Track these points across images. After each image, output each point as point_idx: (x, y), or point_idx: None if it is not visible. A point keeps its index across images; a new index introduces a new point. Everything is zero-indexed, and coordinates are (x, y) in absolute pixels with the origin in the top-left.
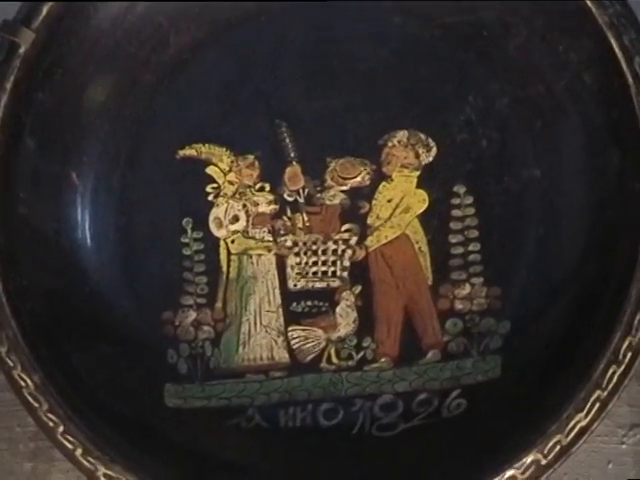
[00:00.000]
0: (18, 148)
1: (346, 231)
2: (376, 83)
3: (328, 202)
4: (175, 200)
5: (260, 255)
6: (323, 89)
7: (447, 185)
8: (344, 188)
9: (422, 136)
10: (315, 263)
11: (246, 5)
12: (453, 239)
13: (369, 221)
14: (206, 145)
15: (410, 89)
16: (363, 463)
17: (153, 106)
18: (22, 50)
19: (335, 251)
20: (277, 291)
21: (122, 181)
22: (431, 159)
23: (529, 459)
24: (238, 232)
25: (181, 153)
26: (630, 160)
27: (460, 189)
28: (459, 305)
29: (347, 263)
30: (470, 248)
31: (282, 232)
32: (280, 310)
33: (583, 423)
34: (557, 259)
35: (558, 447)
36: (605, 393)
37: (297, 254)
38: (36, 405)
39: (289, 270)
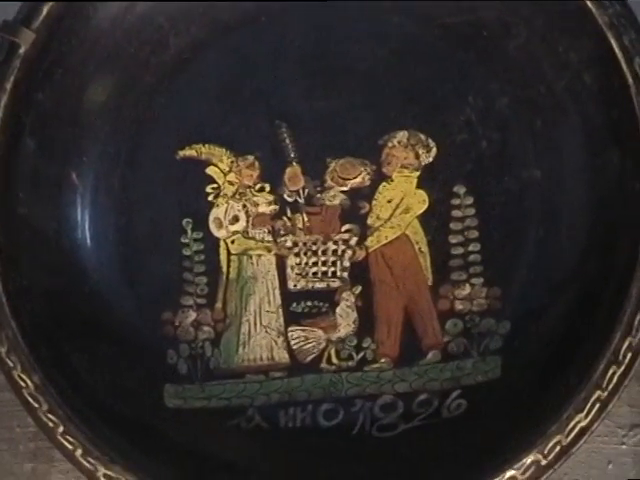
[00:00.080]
0: (18, 148)
1: (346, 231)
2: (376, 83)
3: (328, 202)
4: (175, 200)
5: (260, 255)
6: (323, 89)
7: (447, 185)
8: (344, 188)
9: (422, 136)
10: (315, 263)
11: (246, 6)
12: (453, 239)
13: (369, 221)
14: (206, 145)
15: (410, 89)
16: (363, 463)
17: (153, 106)
18: (22, 50)
19: (335, 251)
20: (277, 291)
21: (122, 181)
22: (431, 159)
23: (529, 459)
24: (238, 232)
25: (181, 153)
26: (630, 160)
27: (460, 189)
28: (459, 305)
29: (347, 263)
30: (470, 248)
31: (282, 232)
32: (280, 310)
33: (583, 423)
34: (557, 259)
35: (558, 447)
36: (605, 393)
37: (297, 254)
38: (36, 405)
39: (289, 270)
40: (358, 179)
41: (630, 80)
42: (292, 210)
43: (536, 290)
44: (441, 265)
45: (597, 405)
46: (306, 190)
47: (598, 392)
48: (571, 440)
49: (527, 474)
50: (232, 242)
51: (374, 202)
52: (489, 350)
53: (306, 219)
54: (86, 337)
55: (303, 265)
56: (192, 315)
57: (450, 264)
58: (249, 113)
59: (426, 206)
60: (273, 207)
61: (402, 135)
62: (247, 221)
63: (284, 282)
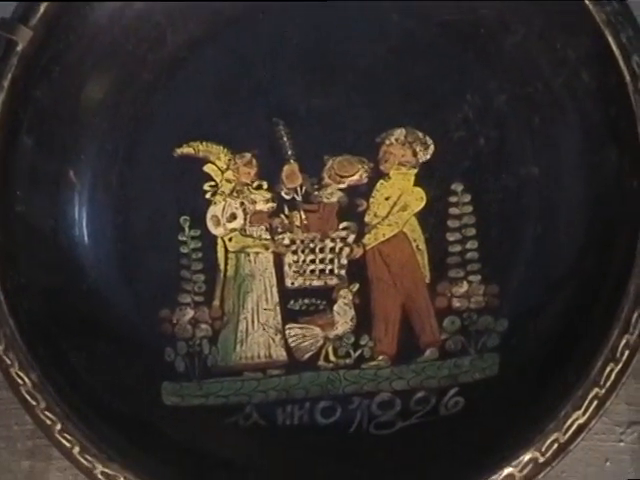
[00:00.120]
0: (16, 146)
1: (344, 229)
2: (374, 81)
3: (326, 200)
4: (172, 198)
5: (258, 253)
6: (321, 87)
7: (445, 183)
8: (342, 186)
9: (420, 134)
10: (313, 261)
11: (244, 2)
12: (451, 237)
13: (367, 219)
14: (204, 143)
15: (408, 87)
16: (361, 461)
17: (151, 104)
18: (19, 48)
19: (333, 249)
20: (275, 289)
21: (120, 179)
22: (429, 157)
23: (527, 457)
24: (236, 230)
25: (179, 151)
26: (628, 157)
27: (458, 187)
28: (457, 303)
29: (345, 261)
30: (468, 246)
31: (280, 230)
32: (278, 308)
33: (581, 421)
34: (555, 256)
35: (556, 445)
36: (603, 391)
37: (295, 252)
38: (34, 403)
39: (287, 268)
40: (355, 176)
41: (628, 77)
42: (290, 208)
43: (534, 287)
44: (439, 262)
45: (595, 402)
46: (304, 188)
47: (596, 389)
48: (569, 437)
49: (525, 471)
50: (230, 240)
51: (371, 200)
52: (487, 348)
53: (303, 217)
54: (84, 335)
55: (301, 263)
56: (190, 313)
57: (448, 261)
58: (247, 110)
59: (423, 204)
60: (271, 205)
61: (400, 133)
62: (245, 219)
63: (282, 280)
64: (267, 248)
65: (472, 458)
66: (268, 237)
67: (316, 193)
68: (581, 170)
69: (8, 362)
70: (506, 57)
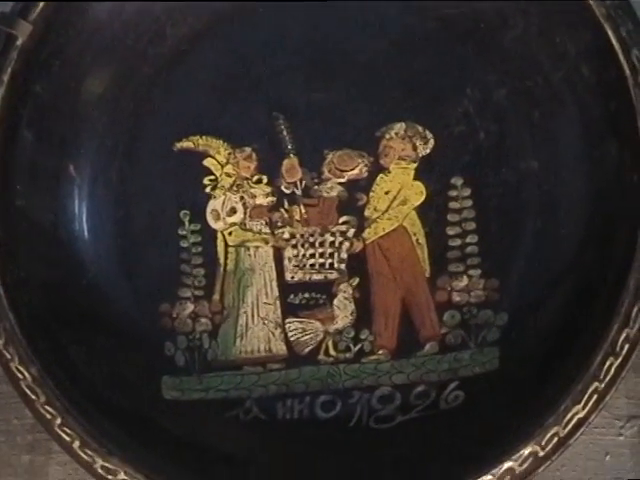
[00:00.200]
0: (15, 140)
1: (343, 223)
2: (374, 75)
3: (325, 194)
4: (172, 192)
5: (257, 247)
6: (321, 81)
7: (445, 177)
8: (341, 180)
9: (420, 128)
10: (312, 255)
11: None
12: (451, 231)
13: (366, 213)
14: (203, 137)
15: (408, 81)
16: (361, 455)
17: (151, 98)
18: (19, 42)
19: (332, 243)
20: (274, 283)
21: (120, 173)
22: (429, 151)
23: (527, 451)
24: (235, 224)
25: (178, 145)
26: (628, 151)
27: (458, 181)
28: (457, 297)
29: (344, 255)
30: (468, 240)
31: (279, 224)
32: (277, 302)
33: (581, 415)
34: (555, 251)
35: (556, 439)
36: (603, 385)
37: (294, 246)
38: (33, 397)
39: (286, 262)
40: (355, 171)
41: (627, 72)
42: (289, 202)
43: (534, 282)
44: (438, 257)
45: (594, 397)
46: (303, 182)
47: (595, 384)
48: (568, 431)
49: (525, 465)
50: (229, 234)
51: (371, 194)
52: (487, 342)
53: (303, 211)
54: (84, 329)
55: (300, 257)
56: (190, 307)
57: (448, 256)
58: (247, 105)
59: (423, 198)
60: (270, 199)
61: (400, 127)
62: (244, 213)
63: (281, 274)
64: (267, 242)
65: (472, 452)
66: (268, 231)
67: (316, 187)
68: (581, 164)
69: (8, 356)
70: (506, 51)
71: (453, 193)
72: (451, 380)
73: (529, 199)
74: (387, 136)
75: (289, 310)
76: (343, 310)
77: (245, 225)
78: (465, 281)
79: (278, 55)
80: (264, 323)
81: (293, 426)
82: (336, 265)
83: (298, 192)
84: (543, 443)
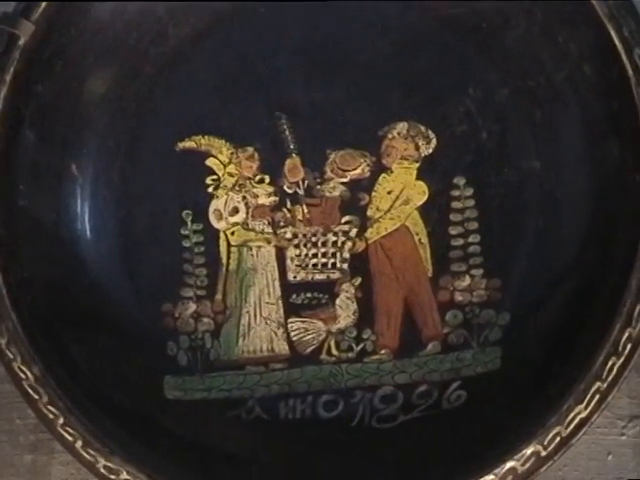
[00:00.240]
0: (18, 140)
1: (346, 223)
2: (376, 75)
3: (328, 194)
4: (175, 192)
5: (260, 247)
6: (323, 81)
7: (447, 177)
8: (344, 180)
9: (422, 128)
10: (315, 255)
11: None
12: (453, 231)
13: (369, 213)
14: (206, 137)
15: (410, 81)
16: (363, 455)
17: (153, 98)
18: (22, 42)
19: (335, 243)
20: (277, 283)
21: (122, 173)
22: (431, 151)
23: (529, 450)
24: (238, 224)
25: (181, 145)
26: (630, 151)
27: (460, 181)
28: (459, 297)
29: (347, 255)
30: (470, 240)
31: (282, 224)
32: (280, 302)
33: (583, 415)
34: (557, 250)
35: (558, 439)
36: (605, 385)
37: (297, 246)
38: (36, 397)
39: (289, 262)
40: (358, 170)
41: (630, 71)
42: (292, 202)
43: (536, 281)
44: (441, 256)
45: (597, 396)
46: (306, 182)
47: (598, 383)
48: (571, 431)
49: (527, 465)
50: (232, 234)
51: (374, 193)
52: (489, 341)
53: (306, 210)
54: (86, 329)
55: (303, 257)
56: (192, 307)
57: (450, 255)
58: (249, 105)
59: (426, 197)
60: (273, 199)
61: (402, 126)
62: (247, 213)
63: (284, 274)
64: (269, 242)
65: (474, 452)
66: (270, 231)
67: (318, 187)
68: (583, 164)
69: (10, 356)
70: (508, 51)
71: (455, 193)
72: (453, 380)
73: (531, 199)
74: (389, 136)
75: (291, 310)
76: (345, 310)
77: (247, 225)
78: (467, 281)
79: (280, 55)
80: (266, 323)
81: (295, 426)
82: (338, 265)
83: (300, 192)
84: (545, 443)
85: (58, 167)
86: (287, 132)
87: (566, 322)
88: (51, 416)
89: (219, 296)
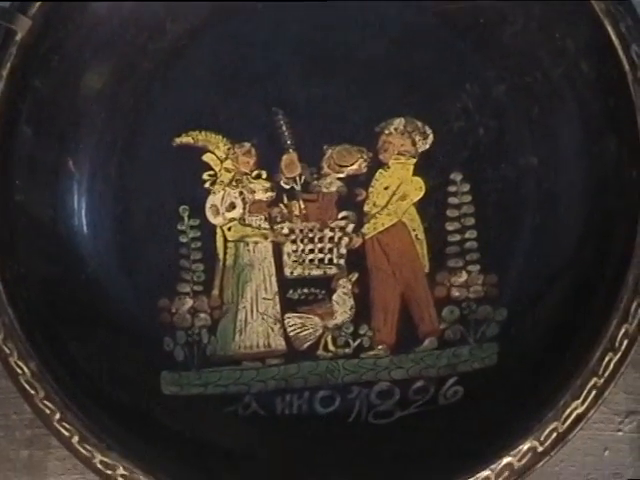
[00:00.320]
0: (14, 135)
1: (343, 218)
2: (373, 71)
3: (325, 189)
4: (172, 187)
5: (257, 242)
6: (320, 77)
7: (444, 173)
8: (341, 175)
9: (419, 124)
10: (312, 250)
11: None
12: (450, 227)
13: (366, 208)
14: (203, 132)
15: (407, 77)
16: (359, 450)
17: (150, 93)
18: (18, 37)
19: (332, 238)
20: (274, 278)
21: (119, 168)
22: (428, 147)
23: (526, 446)
24: (235, 219)
25: (178, 140)
26: (627, 147)
27: (457, 177)
28: (456, 292)
29: (344, 250)
30: (467, 235)
31: (279, 219)
32: (277, 297)
33: (580, 410)
34: (554, 246)
35: (555, 434)
36: (602, 380)
37: (294, 241)
38: (32, 392)
39: (286, 257)
40: (355, 166)
41: (627, 67)
42: (289, 197)
43: (533, 277)
44: (438, 252)
45: (593, 392)
46: (303, 177)
47: (594, 379)
48: (567, 427)
49: (523, 461)
50: (229, 229)
51: (371, 189)
52: (486, 337)
53: (302, 206)
54: (83, 324)
55: (299, 252)
56: (189, 302)
57: (447, 251)
58: (246, 100)
59: (423, 193)
60: (270, 194)
61: (399, 122)
62: (244, 208)
63: (281, 269)
64: (266, 237)
65: (471, 447)
66: (267, 226)
67: (315, 182)
68: (580, 160)
69: (7, 351)
70: (505, 47)
71: (452, 189)
72: (450, 375)
73: (528, 195)
74: (386, 131)
75: (288, 305)
76: (342, 305)
77: (244, 220)
78: (464, 276)
79: (277, 51)
80: (263, 318)
81: (292, 421)
82: (335, 260)
83: (297, 187)
84: (542, 438)
85: (55, 162)
86: (284, 128)
87: (563, 318)
88: (47, 411)
89: (216, 292)
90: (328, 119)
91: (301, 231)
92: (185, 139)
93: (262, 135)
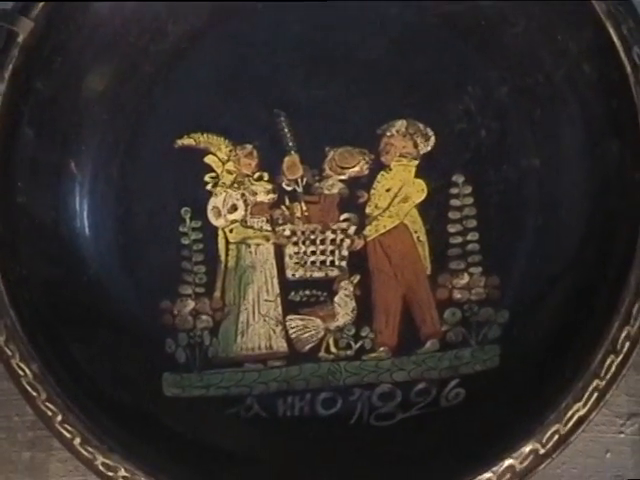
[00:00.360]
0: (16, 137)
1: (344, 220)
2: (375, 72)
3: (326, 191)
4: (173, 189)
5: (258, 244)
6: (322, 78)
7: (446, 174)
8: (343, 177)
9: (421, 125)
10: (313, 252)
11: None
12: (452, 228)
13: (367, 210)
14: (204, 134)
15: (409, 78)
16: (361, 452)
17: (152, 95)
18: (20, 39)
19: (333, 240)
20: (275, 280)
21: (121, 170)
22: (430, 148)
23: (527, 448)
24: (236, 221)
25: (179, 142)
26: (629, 149)
27: (459, 178)
28: (458, 295)
29: (345, 252)
30: (469, 237)
31: (280, 221)
32: (278, 299)
33: (581, 412)
34: (556, 248)
35: (556, 436)
36: (603, 382)
37: (295, 243)
38: (34, 394)
39: (287, 259)
40: (357, 168)
41: (629, 69)
42: (290, 199)
43: (534, 279)
44: (439, 254)
45: (595, 394)
46: (304, 179)
47: (596, 381)
48: (569, 429)
49: (525, 463)
50: (230, 231)
51: (372, 191)
52: (488, 339)
53: (304, 208)
54: (85, 326)
55: (301, 254)
56: (191, 304)
57: (449, 253)
58: (248, 102)
59: (425, 195)
60: (271, 196)
61: (401, 124)
62: (245, 210)
63: (282, 271)
64: (268, 239)
65: (473, 449)
66: (269, 228)
67: (317, 184)
68: (582, 162)
69: (9, 353)
70: (507, 49)
71: (454, 190)
72: (452, 378)
73: (530, 196)
74: (388, 133)
75: (290, 307)
76: (344, 307)
77: (246, 222)
78: (466, 278)
79: (279, 52)
80: (265, 320)
81: (294, 423)
82: (337, 262)
83: (299, 189)
84: (544, 441)
85: (57, 164)
86: (286, 129)
87: (565, 320)
88: (49, 413)
89: (218, 293)
90: (330, 121)
91: (303, 233)
92: (187, 141)
93: (264, 137)
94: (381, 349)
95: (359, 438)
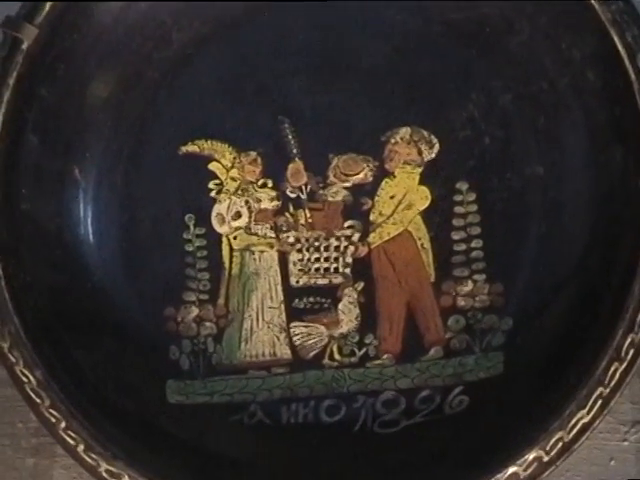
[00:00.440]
0: (21, 144)
1: (348, 227)
2: (379, 80)
3: (330, 198)
4: (177, 196)
5: (262, 251)
6: (326, 85)
7: (450, 182)
8: (347, 184)
9: (425, 133)
10: (317, 259)
11: (247, 2)
12: (455, 236)
13: (371, 218)
14: (209, 141)
15: (413, 86)
16: (365, 460)
17: (156, 102)
18: (25, 46)
19: (337, 247)
20: (279, 287)
21: (125, 177)
22: (434, 156)
23: (531, 456)
24: (240, 228)
25: (184, 149)
26: (633, 157)
27: (463, 186)
28: (461, 302)
29: (349, 260)
30: (472, 245)
31: (284, 228)
32: (282, 306)
33: (585, 420)
34: (559, 256)
35: (560, 444)
36: (607, 390)
37: (299, 250)
38: (38, 401)
39: (291, 266)
40: (361, 175)
41: (633, 77)
42: (294, 206)
43: (538, 286)
44: (443, 261)
45: (599, 402)
46: (308, 186)
47: (600, 389)
48: (573, 436)
49: (529, 470)
50: (234, 238)
51: (376, 198)
52: (491, 346)
53: (308, 215)
54: (89, 333)
55: (305, 261)
56: (194, 311)
57: (452, 260)
58: (252, 109)
59: (428, 202)
60: (275, 203)
61: (405, 131)
62: (249, 217)
63: (286, 278)
64: (272, 246)
65: (476, 457)
66: (273, 235)
67: (321, 191)
68: (586, 169)
69: (13, 360)
70: (511, 56)
71: (458, 198)
72: (456, 385)
73: (534, 204)
74: (392, 140)
75: (294, 314)
76: (348, 314)
77: (250, 229)
78: (470, 286)
79: (283, 59)
80: (269, 327)
81: (297, 430)
82: (341, 269)
83: (303, 196)
84: (548, 448)
85: (61, 171)
86: (290, 136)
87: (569, 327)
88: (53, 420)
89: (221, 300)
90: (334, 128)
91: (307, 240)
92: (191, 148)
93: (268, 144)
94: (385, 356)
95: (363, 445)
